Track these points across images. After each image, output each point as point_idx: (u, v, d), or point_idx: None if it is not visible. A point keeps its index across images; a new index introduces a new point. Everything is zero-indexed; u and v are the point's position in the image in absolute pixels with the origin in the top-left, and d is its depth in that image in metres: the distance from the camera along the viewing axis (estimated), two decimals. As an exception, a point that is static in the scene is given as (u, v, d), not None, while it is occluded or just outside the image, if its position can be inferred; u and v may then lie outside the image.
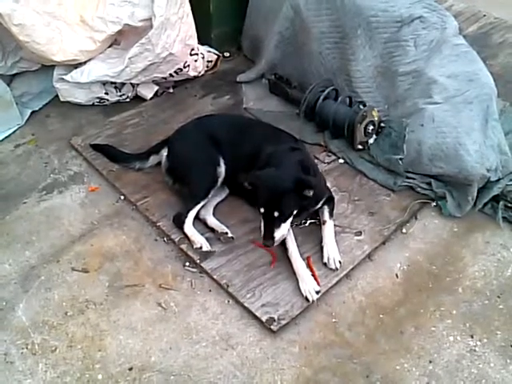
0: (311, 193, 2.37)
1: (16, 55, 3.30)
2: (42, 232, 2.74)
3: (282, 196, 2.35)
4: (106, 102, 3.51)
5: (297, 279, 2.46)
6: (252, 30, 3.90)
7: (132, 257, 2.63)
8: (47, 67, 3.34)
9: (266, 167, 2.48)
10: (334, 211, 2.72)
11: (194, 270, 2.57)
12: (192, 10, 3.36)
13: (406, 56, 3.15)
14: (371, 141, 3.14)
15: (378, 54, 3.24)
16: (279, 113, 3.51)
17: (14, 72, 3.39)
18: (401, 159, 2.95)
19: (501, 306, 2.45)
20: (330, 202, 2.73)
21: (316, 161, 3.06)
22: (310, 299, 2.39)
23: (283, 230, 2.40)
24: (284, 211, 2.37)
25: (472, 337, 2.33)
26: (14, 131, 3.36)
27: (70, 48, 3.09)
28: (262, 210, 2.39)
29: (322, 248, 2.58)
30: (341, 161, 3.16)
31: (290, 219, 2.42)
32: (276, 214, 2.35)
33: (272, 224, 2.38)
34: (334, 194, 2.81)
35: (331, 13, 3.29)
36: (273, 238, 2.37)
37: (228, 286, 2.46)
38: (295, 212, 2.42)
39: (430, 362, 2.24)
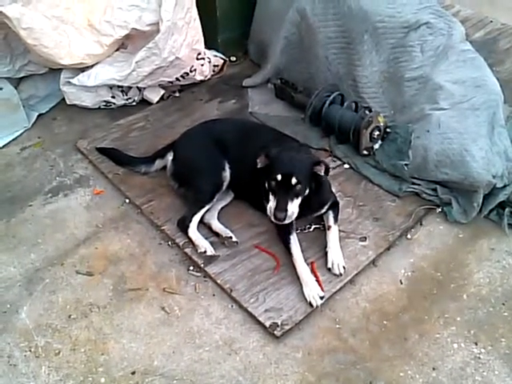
0: (323, 170, 2.45)
1: (24, 58, 3.32)
2: (48, 235, 2.75)
3: (300, 164, 2.42)
4: (113, 106, 3.52)
5: (301, 284, 2.46)
6: (258, 35, 3.92)
7: (136, 260, 2.63)
8: (54, 70, 3.36)
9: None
10: (339, 216, 2.72)
11: (198, 274, 2.57)
12: (199, 14, 3.37)
13: (412, 62, 3.14)
14: (377, 146, 3.13)
15: (384, 59, 3.24)
16: (285, 117, 3.51)
17: (22, 75, 3.41)
18: (406, 165, 2.95)
19: (505, 314, 2.44)
20: (335, 207, 2.73)
21: (321, 166, 3.07)
22: (314, 304, 2.38)
23: (294, 207, 2.42)
24: (300, 178, 2.38)
25: (476, 344, 2.31)
26: (21, 134, 3.38)
27: (77, 52, 3.11)
28: (279, 177, 2.38)
29: (326, 253, 2.58)
30: (346, 166, 3.16)
31: (300, 199, 2.43)
32: (294, 180, 2.37)
33: (286, 195, 2.39)
34: (338, 199, 2.81)
35: (338, 18, 3.30)
36: (286, 209, 2.38)
37: (231, 290, 2.46)
38: (307, 192, 2.44)
39: (434, 369, 2.22)
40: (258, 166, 2.50)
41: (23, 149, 3.29)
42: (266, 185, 2.47)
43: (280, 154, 2.46)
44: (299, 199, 2.43)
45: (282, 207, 2.39)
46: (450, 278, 2.58)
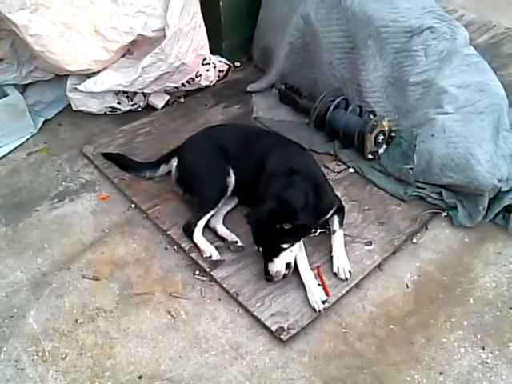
0: (289, 226, 2.33)
1: (30, 65, 3.34)
2: (54, 239, 2.76)
3: (262, 232, 2.39)
4: (118, 112, 3.54)
5: (305, 289, 2.46)
6: (262, 40, 3.93)
7: (142, 265, 2.64)
8: (60, 76, 3.38)
9: (264, 191, 2.49)
10: (344, 221, 2.72)
11: (204, 278, 2.57)
12: (203, 20, 3.39)
13: (416, 66, 3.14)
14: (381, 150, 3.13)
15: (388, 64, 3.24)
16: (289, 122, 3.52)
17: (28, 81, 3.44)
18: (411, 169, 2.95)
19: (512, 318, 2.44)
20: (340, 211, 2.72)
21: (326, 170, 3.07)
22: (317, 309, 2.38)
23: (278, 265, 2.39)
24: (265, 245, 2.40)
25: (483, 348, 2.31)
26: (27, 139, 3.40)
27: (83, 58, 3.13)
28: (255, 247, 2.46)
29: (332, 258, 2.58)
30: (351, 170, 3.16)
31: (285, 253, 2.39)
32: (260, 249, 2.42)
33: (266, 258, 2.41)
34: (344, 203, 2.81)
35: (341, 23, 3.30)
36: (268, 271, 2.40)
37: (237, 294, 2.46)
38: (286, 246, 2.38)
39: (441, 373, 2.22)
40: None
41: (29, 154, 3.31)
42: None
43: (249, 219, 2.46)
44: (281, 255, 2.38)
45: (266, 271, 2.41)
46: (456, 282, 2.58)
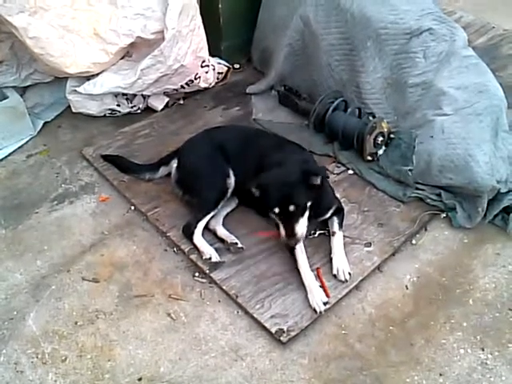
0: (319, 180, 2.40)
1: (30, 67, 3.35)
2: (53, 242, 2.77)
3: (292, 188, 2.37)
4: (118, 114, 3.54)
5: (306, 290, 2.45)
6: (262, 42, 3.94)
7: (142, 267, 2.64)
8: (59, 78, 3.39)
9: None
10: (344, 222, 2.72)
11: (204, 280, 2.57)
12: (202, 22, 3.40)
13: (415, 68, 3.15)
14: (381, 152, 3.14)
15: (387, 65, 3.25)
16: (288, 124, 3.53)
17: (28, 84, 3.45)
18: (410, 170, 2.95)
19: (512, 319, 2.44)
20: (340, 212, 2.73)
21: (325, 172, 3.08)
22: (318, 311, 2.38)
23: (303, 226, 2.40)
24: (298, 203, 2.37)
25: (483, 350, 2.31)
26: (27, 142, 3.41)
27: (83, 60, 3.14)
28: (277, 210, 2.39)
29: (331, 259, 2.58)
30: (350, 172, 3.17)
31: (307, 214, 2.42)
32: (291, 207, 2.36)
33: (291, 221, 2.38)
34: (343, 204, 2.81)
35: (341, 25, 3.31)
36: (295, 234, 2.38)
37: (237, 296, 2.46)
38: (309, 204, 2.41)
39: (441, 374, 2.22)
40: (255, 196, 2.48)
41: (29, 156, 3.32)
42: (269, 213, 2.49)
43: (269, 181, 2.42)
44: (305, 215, 2.42)
45: (290, 234, 2.39)
46: (456, 284, 2.58)
